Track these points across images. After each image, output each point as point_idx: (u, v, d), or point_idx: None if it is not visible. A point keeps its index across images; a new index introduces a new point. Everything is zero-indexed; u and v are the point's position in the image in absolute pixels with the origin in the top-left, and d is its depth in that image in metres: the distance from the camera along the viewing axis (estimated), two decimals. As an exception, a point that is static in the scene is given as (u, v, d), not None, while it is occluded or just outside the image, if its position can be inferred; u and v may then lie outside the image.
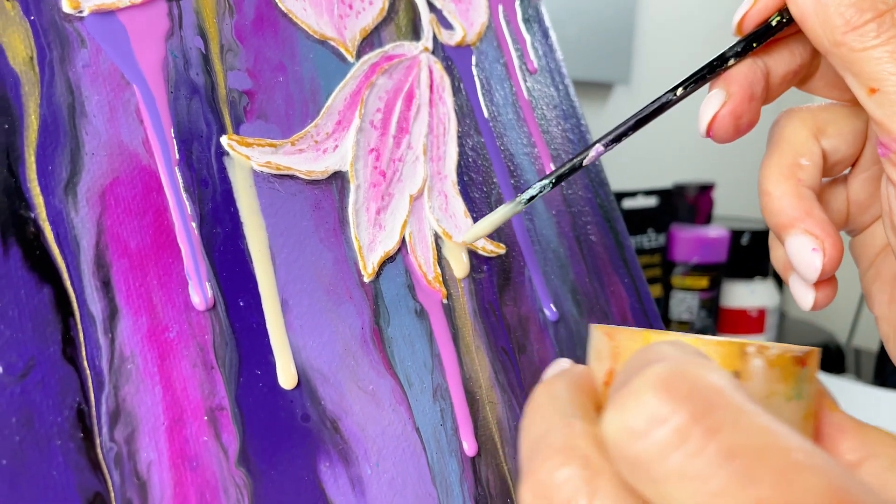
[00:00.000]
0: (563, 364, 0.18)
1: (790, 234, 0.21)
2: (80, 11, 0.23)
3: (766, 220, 0.22)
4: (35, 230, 0.21)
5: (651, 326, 0.34)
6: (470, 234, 0.29)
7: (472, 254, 0.30)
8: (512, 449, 0.28)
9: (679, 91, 0.23)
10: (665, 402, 0.11)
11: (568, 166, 0.25)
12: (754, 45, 0.22)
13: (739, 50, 0.22)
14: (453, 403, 0.27)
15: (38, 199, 0.21)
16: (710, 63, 0.22)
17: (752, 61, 0.22)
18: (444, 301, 0.28)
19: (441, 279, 0.28)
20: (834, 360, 0.82)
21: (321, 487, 0.23)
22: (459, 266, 0.29)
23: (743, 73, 0.22)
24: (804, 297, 0.22)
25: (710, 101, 0.22)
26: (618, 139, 0.24)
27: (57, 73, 0.22)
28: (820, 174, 0.22)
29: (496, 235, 0.31)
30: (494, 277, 0.30)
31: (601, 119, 0.94)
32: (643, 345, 0.15)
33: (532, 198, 0.26)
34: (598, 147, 0.25)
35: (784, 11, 0.21)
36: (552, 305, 0.31)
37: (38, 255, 0.21)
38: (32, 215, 0.21)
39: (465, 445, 0.26)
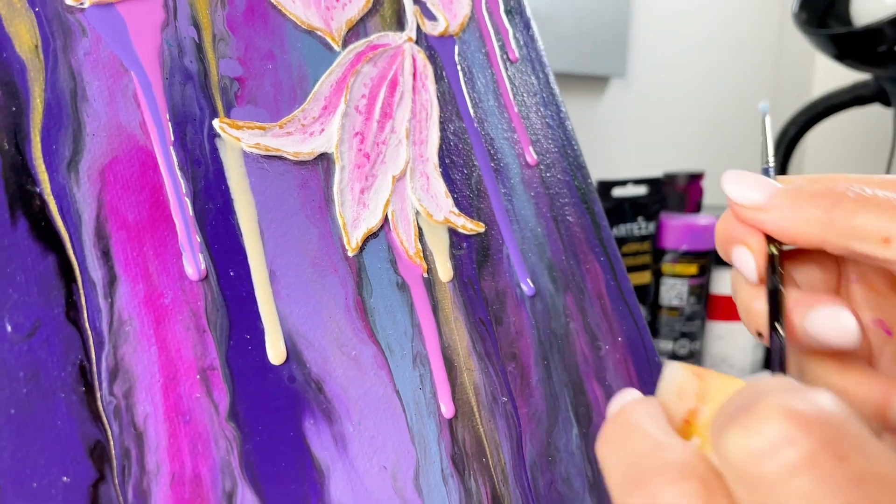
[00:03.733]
0: (634, 393, 0.18)
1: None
2: (82, 3, 0.25)
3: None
4: (40, 203, 0.23)
5: (626, 302, 0.36)
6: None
7: (453, 232, 0.32)
8: (487, 412, 0.30)
9: None
10: (793, 427, 0.12)
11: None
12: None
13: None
14: (432, 369, 0.29)
15: (43, 176, 0.23)
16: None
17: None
18: (425, 275, 0.30)
19: (422, 255, 0.30)
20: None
21: (306, 443, 0.25)
22: (445, 271, 0.31)
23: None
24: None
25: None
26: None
27: (60, 60, 0.24)
28: None
29: (476, 214, 0.33)
30: (473, 254, 0.32)
31: (597, 112, 0.95)
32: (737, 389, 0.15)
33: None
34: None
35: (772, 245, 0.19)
36: (529, 280, 0.33)
37: (44, 226, 0.22)
38: (38, 190, 0.23)
39: (443, 408, 0.28)
